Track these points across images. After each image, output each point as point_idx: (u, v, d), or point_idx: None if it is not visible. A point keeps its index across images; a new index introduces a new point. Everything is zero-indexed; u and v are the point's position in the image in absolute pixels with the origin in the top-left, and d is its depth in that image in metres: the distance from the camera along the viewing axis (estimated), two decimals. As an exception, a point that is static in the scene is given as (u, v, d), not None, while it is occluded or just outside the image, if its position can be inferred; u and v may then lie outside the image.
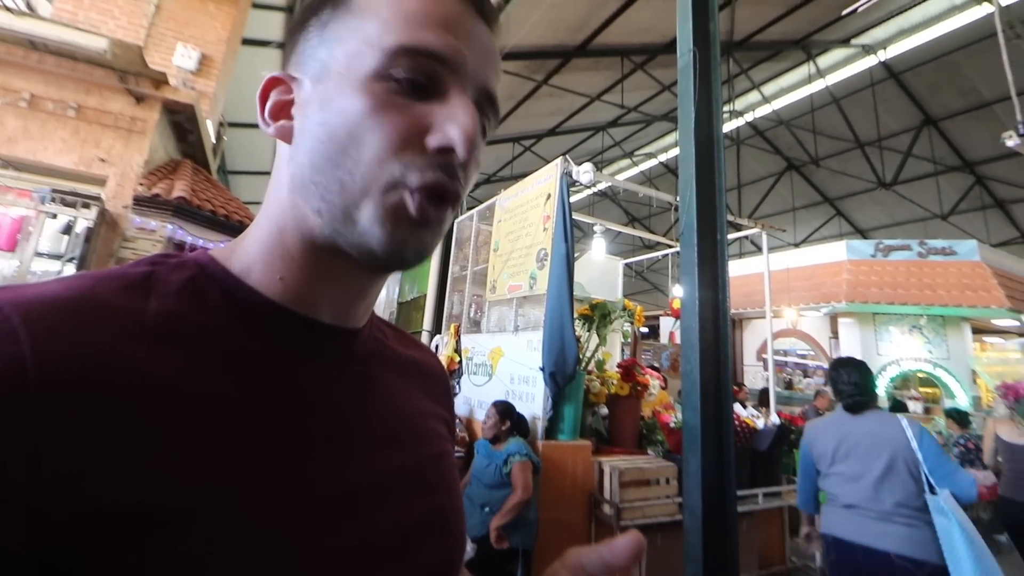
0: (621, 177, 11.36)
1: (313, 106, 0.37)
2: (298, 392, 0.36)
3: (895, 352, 7.57)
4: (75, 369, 0.27)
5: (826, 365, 8.33)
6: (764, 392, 6.11)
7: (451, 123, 0.36)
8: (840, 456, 2.09)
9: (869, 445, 2.02)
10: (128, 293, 0.32)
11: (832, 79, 8.89)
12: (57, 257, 4.09)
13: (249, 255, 0.39)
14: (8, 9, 4.01)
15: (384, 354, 0.47)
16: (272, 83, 0.40)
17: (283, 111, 0.40)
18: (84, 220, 4.08)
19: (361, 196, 0.35)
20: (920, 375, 7.42)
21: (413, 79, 0.36)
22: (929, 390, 7.48)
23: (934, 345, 7.44)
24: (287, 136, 0.39)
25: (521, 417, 2.74)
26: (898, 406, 6.53)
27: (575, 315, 3.13)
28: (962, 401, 7.06)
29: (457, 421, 3.49)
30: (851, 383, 2.16)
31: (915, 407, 6.69)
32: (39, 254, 3.99)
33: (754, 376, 8.87)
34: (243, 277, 0.38)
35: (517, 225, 3.87)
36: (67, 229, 4.11)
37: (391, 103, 0.36)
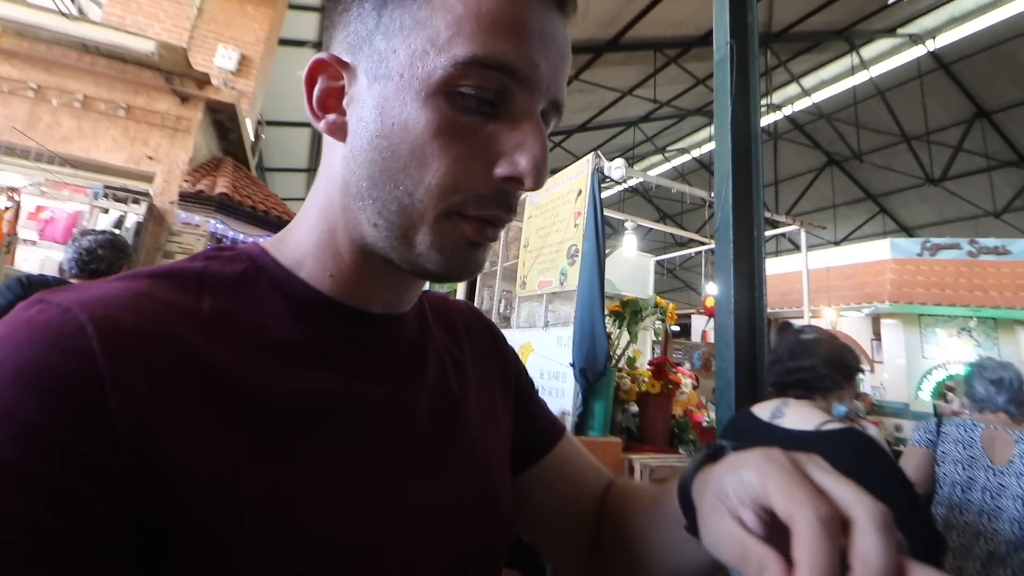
0: (653, 173, 11.18)
1: (370, 108, 0.35)
2: (347, 380, 0.37)
3: (942, 355, 7.23)
4: (139, 359, 0.28)
5: (867, 368, 8.01)
6: (800, 394, 5.93)
7: (521, 152, 0.34)
8: None
9: None
10: (183, 292, 0.33)
11: (877, 70, 8.49)
12: (108, 251, 4.29)
13: (300, 249, 0.39)
14: (63, 15, 4.22)
15: (429, 332, 0.47)
16: (318, 66, 0.36)
17: (333, 101, 0.37)
18: (134, 215, 4.28)
19: (420, 220, 0.34)
20: (969, 379, 7.07)
21: (483, 97, 0.33)
22: (978, 395, 7.13)
23: (985, 349, 7.07)
24: (339, 134, 0.37)
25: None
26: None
27: (606, 312, 3.11)
28: (1014, 408, 6.70)
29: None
30: None
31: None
32: (92, 248, 4.19)
33: (790, 377, 8.61)
34: (294, 270, 0.38)
35: (547, 221, 3.86)
36: (118, 223, 4.32)
37: (458, 124, 0.33)
